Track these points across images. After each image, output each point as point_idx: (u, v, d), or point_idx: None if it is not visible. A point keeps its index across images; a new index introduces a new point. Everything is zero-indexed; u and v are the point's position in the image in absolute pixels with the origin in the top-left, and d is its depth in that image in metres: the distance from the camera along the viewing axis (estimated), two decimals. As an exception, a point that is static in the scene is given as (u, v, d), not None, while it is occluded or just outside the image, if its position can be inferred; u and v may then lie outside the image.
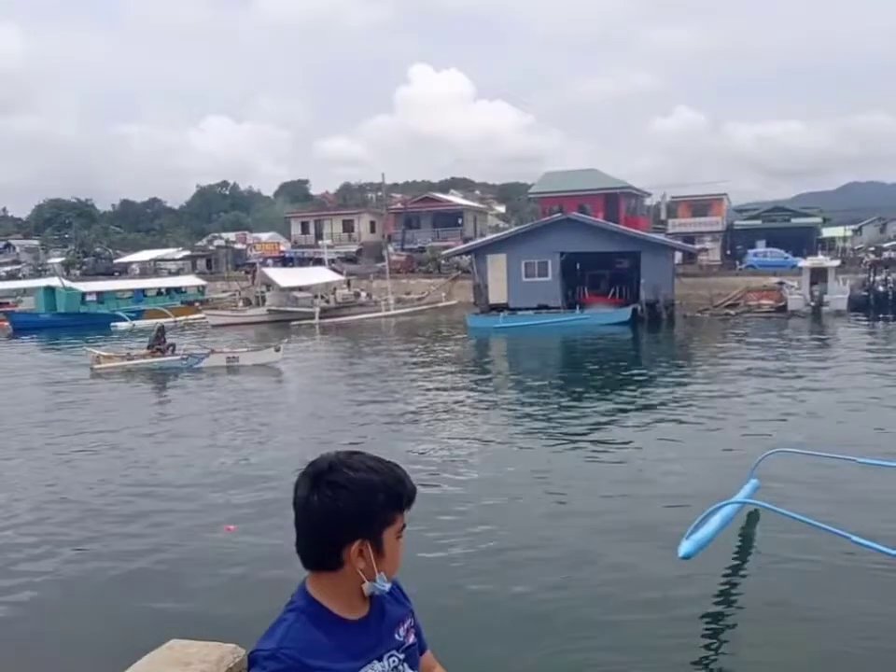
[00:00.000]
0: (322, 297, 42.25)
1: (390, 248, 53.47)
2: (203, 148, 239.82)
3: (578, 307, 35.36)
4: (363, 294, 45.96)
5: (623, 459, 10.90)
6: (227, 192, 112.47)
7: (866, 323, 31.58)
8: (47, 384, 20.21)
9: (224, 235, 72.66)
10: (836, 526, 5.82)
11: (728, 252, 56.30)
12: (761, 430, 12.20)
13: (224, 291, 52.08)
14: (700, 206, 60.04)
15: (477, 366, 23.78)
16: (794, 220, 60.35)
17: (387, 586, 1.76)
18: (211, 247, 71.85)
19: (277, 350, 22.77)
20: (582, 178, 56.26)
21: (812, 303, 34.74)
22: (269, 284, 42.70)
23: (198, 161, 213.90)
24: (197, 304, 44.67)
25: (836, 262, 39.82)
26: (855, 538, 5.53)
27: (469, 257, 40.74)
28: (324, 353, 27.54)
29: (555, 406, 15.61)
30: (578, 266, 38.57)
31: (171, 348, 22.82)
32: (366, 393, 17.35)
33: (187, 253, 71.45)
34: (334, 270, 49.27)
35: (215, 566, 7.26)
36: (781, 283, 39.36)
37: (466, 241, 52.21)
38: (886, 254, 45.84)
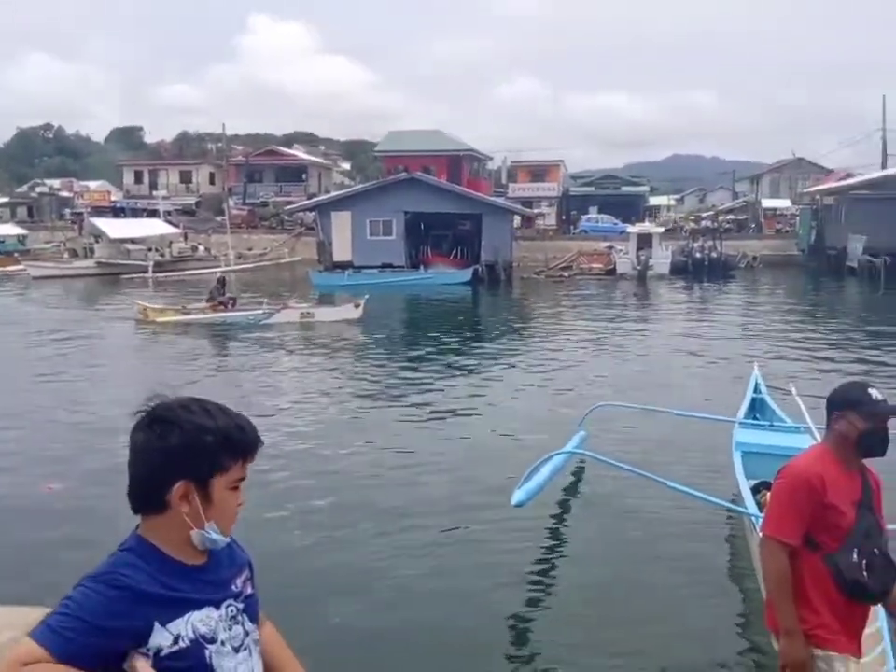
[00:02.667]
0: (156, 250, 40.12)
1: (231, 202, 51.41)
2: (23, 87, 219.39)
3: (421, 266, 35.74)
4: (201, 248, 44.04)
5: (458, 414, 11.15)
6: (51, 136, 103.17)
7: (684, 286, 34.18)
8: None
9: (48, 182, 67.48)
10: (654, 473, 6.26)
11: (563, 217, 58.48)
12: (588, 385, 12.89)
13: (48, 242, 48.40)
14: (538, 172, 61.86)
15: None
16: (624, 188, 63.47)
17: (220, 539, 1.72)
18: (33, 194, 66.42)
19: (357, 306, 21.03)
20: (427, 139, 56.29)
21: (638, 267, 36.86)
22: (98, 235, 40.09)
23: (17, 99, 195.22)
24: (16, 255, 41.26)
25: (661, 229, 42.51)
26: (671, 483, 5.93)
27: (314, 213, 40.00)
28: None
29: (396, 365, 15.77)
30: (422, 226, 38.83)
31: (233, 301, 21.34)
32: (196, 352, 16.76)
33: (5, 200, 65.48)
34: (170, 222, 46.94)
35: (28, 525, 6.85)
36: (611, 247, 41.55)
37: (310, 197, 51.10)
38: (704, 223, 49.40)
